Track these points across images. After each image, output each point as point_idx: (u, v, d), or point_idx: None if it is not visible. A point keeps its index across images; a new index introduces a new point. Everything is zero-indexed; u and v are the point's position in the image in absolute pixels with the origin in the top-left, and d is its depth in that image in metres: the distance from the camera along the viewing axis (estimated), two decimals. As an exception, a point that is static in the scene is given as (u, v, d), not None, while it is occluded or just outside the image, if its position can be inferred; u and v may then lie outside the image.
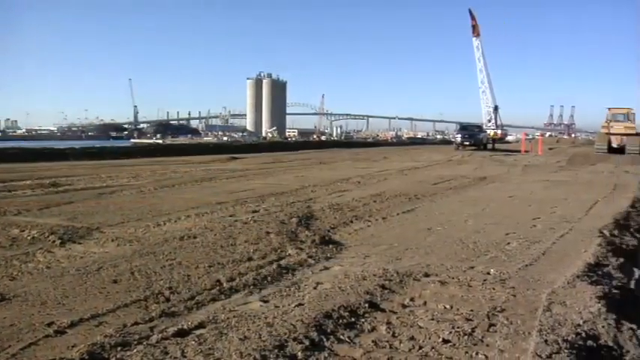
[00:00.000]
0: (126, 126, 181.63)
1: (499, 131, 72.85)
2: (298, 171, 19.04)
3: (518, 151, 39.91)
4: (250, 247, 6.69)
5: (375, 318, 4.37)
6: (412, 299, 4.83)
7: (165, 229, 7.84)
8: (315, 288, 5.15)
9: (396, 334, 4.01)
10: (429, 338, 3.93)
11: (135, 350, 3.64)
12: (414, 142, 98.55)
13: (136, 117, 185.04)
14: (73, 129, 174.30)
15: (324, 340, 3.88)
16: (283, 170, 19.47)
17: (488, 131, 59.19)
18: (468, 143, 41.11)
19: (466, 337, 3.95)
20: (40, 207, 9.67)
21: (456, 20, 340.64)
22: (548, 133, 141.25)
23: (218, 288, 5.09)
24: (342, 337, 3.96)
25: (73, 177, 15.32)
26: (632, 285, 5.55)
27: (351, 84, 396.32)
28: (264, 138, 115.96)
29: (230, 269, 5.72)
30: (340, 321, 4.25)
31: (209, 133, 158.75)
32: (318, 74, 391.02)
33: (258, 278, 5.41)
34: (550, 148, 45.88)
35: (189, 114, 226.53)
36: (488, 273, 5.70)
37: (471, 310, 4.53)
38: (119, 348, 3.66)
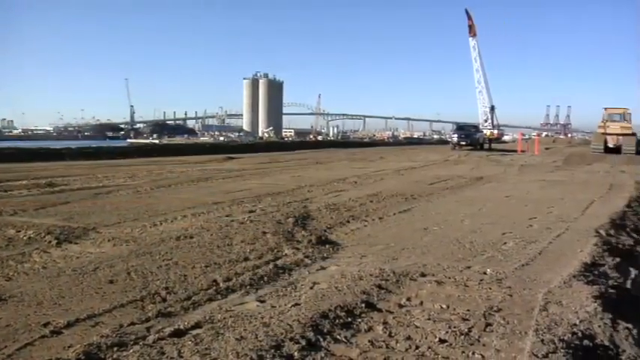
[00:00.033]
0: (122, 126, 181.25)
1: (495, 131, 73.05)
2: (295, 171, 19.03)
3: (515, 151, 39.97)
4: (247, 247, 6.69)
5: (372, 318, 4.37)
6: (409, 299, 4.83)
7: (161, 229, 7.83)
8: (311, 288, 5.15)
9: (393, 334, 4.01)
10: (426, 338, 3.93)
11: (131, 350, 3.64)
12: (410, 142, 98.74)
13: (132, 117, 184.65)
14: (70, 129, 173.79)
15: (321, 339, 3.88)
16: (280, 170, 19.46)
17: (485, 131, 59.30)
18: (464, 143, 41.15)
19: (463, 336, 3.95)
20: (37, 207, 9.65)
21: (453, 20, 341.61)
22: (544, 133, 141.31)
23: (214, 288, 5.08)
24: (338, 336, 3.96)
25: (70, 177, 15.29)
26: (629, 284, 5.55)
27: (348, 84, 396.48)
28: (261, 138, 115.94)
29: (226, 269, 5.71)
30: (337, 321, 4.25)
31: (205, 133, 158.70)
32: (314, 74, 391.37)
33: (255, 278, 5.40)
34: (546, 148, 45.95)
35: (185, 114, 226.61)
36: (485, 273, 5.70)
37: (468, 310, 4.53)
38: (115, 348, 3.66)
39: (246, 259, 6.17)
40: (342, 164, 23.41)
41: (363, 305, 4.62)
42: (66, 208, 9.68)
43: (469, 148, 40.58)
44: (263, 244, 6.87)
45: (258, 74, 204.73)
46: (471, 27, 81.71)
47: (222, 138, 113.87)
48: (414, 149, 47.81)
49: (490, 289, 5.14)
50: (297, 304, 4.63)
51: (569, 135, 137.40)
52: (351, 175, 17.17)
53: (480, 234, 7.80)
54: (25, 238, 7.13)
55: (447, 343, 3.84)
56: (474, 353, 3.68)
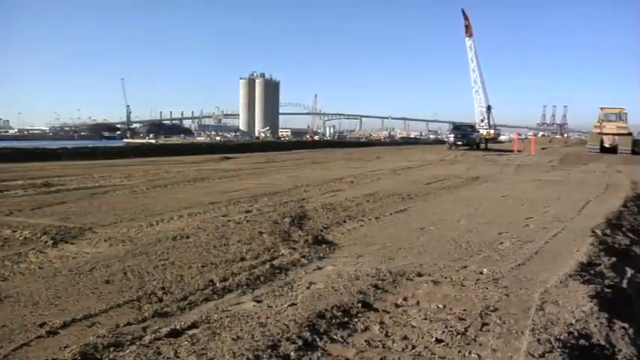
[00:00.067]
0: (118, 126, 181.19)
1: (492, 131, 73.21)
2: (291, 171, 19.02)
3: (511, 151, 40.05)
4: (243, 247, 6.68)
5: (368, 318, 4.37)
6: (405, 299, 4.84)
7: (158, 229, 7.82)
8: (308, 288, 5.15)
9: (389, 334, 4.01)
10: (422, 338, 3.94)
11: (128, 351, 3.63)
12: (407, 141, 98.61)
13: (128, 117, 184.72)
14: (66, 129, 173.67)
15: (317, 339, 3.87)
16: (276, 170, 19.45)
17: (481, 131, 59.42)
18: (460, 143, 41.19)
19: (459, 336, 3.96)
20: (33, 207, 9.63)
21: (449, 20, 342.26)
22: (540, 133, 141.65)
23: (211, 288, 5.08)
24: (335, 336, 3.96)
25: (66, 177, 15.26)
26: (625, 284, 5.56)
27: (345, 84, 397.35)
28: (257, 138, 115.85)
29: (223, 269, 5.71)
30: (333, 321, 4.24)
31: (202, 133, 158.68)
32: (311, 74, 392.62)
33: (251, 278, 5.40)
34: (543, 148, 46.01)
35: (182, 114, 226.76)
36: (481, 272, 5.71)
37: (464, 310, 4.53)
38: (112, 348, 3.65)
39: (242, 259, 6.16)
40: (339, 164, 23.42)
41: (360, 305, 4.62)
42: (62, 208, 9.66)
43: (465, 147, 40.61)
44: (259, 244, 6.87)
45: (255, 74, 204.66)
46: (467, 27, 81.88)
47: (218, 138, 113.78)
48: (410, 149, 47.85)
49: (486, 288, 5.14)
50: (293, 304, 4.63)
51: (566, 135, 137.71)
52: (348, 174, 17.17)
53: (476, 234, 7.80)
54: (21, 238, 7.11)
55: (443, 343, 3.85)
56: (470, 353, 3.68)
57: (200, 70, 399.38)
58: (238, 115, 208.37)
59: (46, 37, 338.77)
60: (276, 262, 6.02)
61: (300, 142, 61.82)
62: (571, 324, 4.13)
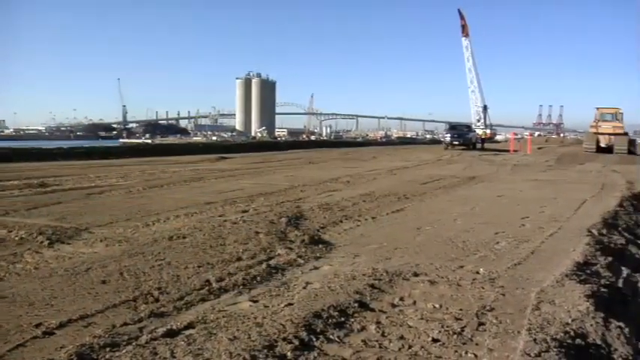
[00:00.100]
0: (115, 126, 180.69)
1: (488, 131, 73.08)
2: (288, 171, 19.01)
3: (507, 151, 40.08)
4: (240, 247, 6.68)
5: (365, 317, 4.37)
6: (402, 299, 4.84)
7: (154, 229, 7.81)
8: (304, 288, 5.15)
9: (386, 334, 4.01)
10: (419, 337, 3.94)
11: (124, 351, 3.63)
12: (403, 141, 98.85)
13: (124, 117, 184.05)
14: (62, 129, 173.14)
15: (314, 339, 3.88)
16: (272, 170, 19.43)
17: (478, 131, 59.39)
18: (457, 143, 41.17)
19: (455, 336, 3.96)
20: (28, 207, 9.60)
21: (446, 20, 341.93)
22: (537, 133, 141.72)
23: (207, 288, 5.07)
24: (331, 336, 3.96)
25: (62, 177, 15.21)
26: (620, 284, 5.58)
27: (341, 84, 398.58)
28: (254, 138, 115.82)
29: (219, 269, 5.70)
30: (330, 321, 4.24)
31: (198, 133, 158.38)
32: (307, 74, 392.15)
33: (248, 278, 5.40)
34: (539, 148, 46.07)
35: (178, 114, 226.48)
36: (478, 272, 5.72)
37: (461, 310, 4.54)
38: (108, 349, 3.65)
39: (239, 259, 6.16)
40: (335, 164, 23.39)
41: (356, 305, 4.62)
42: (58, 208, 9.64)
43: (462, 147, 40.59)
44: (256, 244, 6.86)
45: (251, 74, 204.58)
46: (463, 27, 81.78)
47: (214, 138, 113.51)
48: (406, 149, 47.92)
49: (483, 288, 5.15)
50: (290, 304, 4.63)
51: (562, 134, 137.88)
52: (344, 174, 17.17)
53: (472, 233, 7.81)
54: (16, 238, 7.09)
55: (439, 343, 3.85)
56: (466, 352, 3.69)
57: (196, 70, 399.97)
58: (234, 115, 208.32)
59: (41, 37, 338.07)
60: (272, 262, 6.02)
61: (297, 142, 61.66)
62: (567, 323, 4.14)
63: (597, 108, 41.15)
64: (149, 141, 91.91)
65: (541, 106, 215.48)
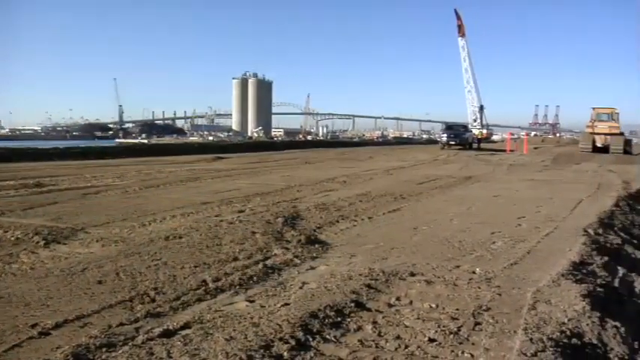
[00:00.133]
0: (111, 126, 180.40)
1: (484, 131, 73.39)
2: (284, 170, 19.00)
3: (504, 151, 40.14)
4: (236, 247, 6.67)
5: (361, 317, 4.38)
6: (398, 298, 4.84)
7: (150, 229, 7.80)
8: (301, 288, 5.15)
9: (382, 334, 4.02)
10: (415, 337, 3.94)
11: (120, 351, 3.62)
12: (400, 141, 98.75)
13: (121, 117, 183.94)
14: (58, 129, 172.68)
15: (310, 339, 3.87)
16: (269, 170, 19.42)
17: (474, 131, 59.53)
18: (453, 143, 41.21)
19: (452, 335, 3.96)
20: (24, 207, 9.58)
21: (444, 20, 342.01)
22: (533, 133, 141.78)
23: (204, 288, 5.07)
24: (328, 336, 3.96)
25: (58, 177, 15.18)
26: (616, 283, 5.59)
27: (337, 84, 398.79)
28: (250, 138, 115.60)
29: (216, 269, 5.70)
30: (326, 320, 4.24)
31: (195, 133, 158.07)
32: (304, 74, 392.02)
33: (244, 278, 5.39)
34: (535, 148, 46.14)
35: (174, 114, 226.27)
36: (474, 272, 5.72)
37: (457, 309, 4.54)
38: (104, 349, 3.64)
39: (235, 259, 6.15)
40: (332, 164, 23.38)
41: (353, 305, 4.62)
42: (54, 208, 9.62)
43: (458, 147, 40.63)
44: (252, 244, 6.86)
45: (248, 74, 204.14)
46: (460, 27, 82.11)
47: (211, 138, 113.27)
48: (403, 149, 47.95)
49: (479, 288, 5.15)
50: (286, 304, 4.63)
51: (558, 134, 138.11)
52: (341, 174, 17.16)
53: (468, 233, 7.82)
54: (12, 238, 7.07)
55: (436, 343, 3.86)
56: (463, 352, 3.69)
57: (196, 70, 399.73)
58: (231, 115, 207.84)
59: (41, 37, 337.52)
60: (269, 262, 6.01)
61: (293, 142, 61.64)
62: (563, 323, 4.15)
63: (593, 108, 41.29)
64: (145, 141, 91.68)
65: (537, 106, 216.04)
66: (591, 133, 39.86)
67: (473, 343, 3.84)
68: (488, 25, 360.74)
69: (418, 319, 4.34)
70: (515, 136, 75.00)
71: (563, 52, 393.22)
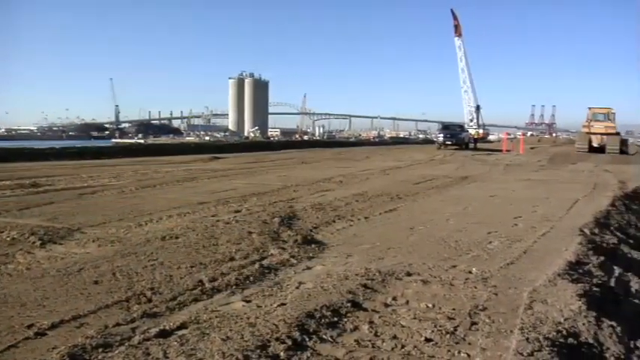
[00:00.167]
0: (107, 126, 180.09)
1: (481, 131, 73.51)
2: (280, 171, 18.99)
3: (500, 151, 40.18)
4: (232, 247, 6.67)
5: (358, 317, 4.38)
6: (394, 298, 4.84)
7: (147, 229, 7.79)
8: (297, 288, 5.14)
9: (379, 334, 4.02)
10: (412, 337, 3.94)
11: (116, 351, 3.62)
12: (396, 141, 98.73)
13: (117, 117, 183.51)
14: (54, 129, 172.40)
15: (307, 339, 3.87)
16: (265, 170, 19.40)
17: (470, 131, 59.60)
18: (450, 143, 41.24)
19: (448, 335, 3.97)
20: (20, 207, 9.56)
21: (439, 20, 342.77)
22: (529, 133, 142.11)
23: (200, 288, 5.06)
24: (324, 336, 3.96)
25: (54, 177, 15.14)
26: (613, 283, 5.60)
27: (334, 84, 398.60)
28: (247, 138, 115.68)
29: (212, 269, 5.69)
30: (323, 320, 4.24)
31: (191, 133, 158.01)
32: (300, 74, 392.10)
33: (241, 278, 5.39)
34: (531, 148, 46.23)
35: (171, 114, 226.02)
36: (470, 272, 5.73)
37: (453, 309, 4.55)
38: (100, 349, 3.64)
39: (231, 259, 6.15)
40: (328, 164, 23.37)
41: (349, 305, 4.62)
42: (50, 208, 9.60)
43: (455, 147, 40.65)
44: (249, 244, 6.85)
45: (244, 74, 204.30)
46: (456, 27, 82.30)
47: (207, 138, 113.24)
48: (399, 149, 47.97)
49: (475, 288, 5.16)
50: (283, 304, 4.63)
51: (554, 134, 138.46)
52: (337, 174, 17.16)
53: (465, 233, 7.82)
54: (8, 238, 7.06)
55: (432, 342, 3.86)
56: (459, 352, 3.69)
57: (196, 70, 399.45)
58: (227, 114, 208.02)
59: (33, 36, 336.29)
60: (265, 262, 6.01)
61: (290, 142, 61.56)
62: (559, 323, 4.16)
63: (590, 108, 41.38)
64: (142, 141, 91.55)
65: (534, 106, 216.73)
66: (587, 133, 39.94)
67: (469, 343, 3.84)
68: (485, 25, 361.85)
69: (414, 318, 4.34)
70: (512, 136, 75.23)
71: (560, 52, 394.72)
